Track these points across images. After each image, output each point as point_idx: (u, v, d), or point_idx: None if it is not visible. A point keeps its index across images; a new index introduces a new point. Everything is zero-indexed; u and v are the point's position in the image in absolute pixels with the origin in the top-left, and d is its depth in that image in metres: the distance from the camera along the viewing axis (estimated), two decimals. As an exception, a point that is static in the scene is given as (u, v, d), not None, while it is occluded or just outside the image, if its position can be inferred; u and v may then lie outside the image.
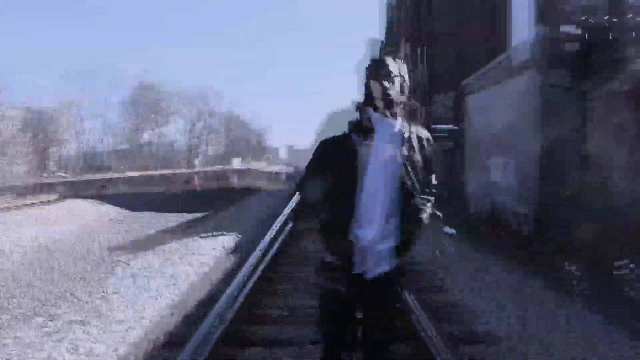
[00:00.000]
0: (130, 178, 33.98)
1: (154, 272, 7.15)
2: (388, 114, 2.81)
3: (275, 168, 72.91)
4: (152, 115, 75.24)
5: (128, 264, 7.75)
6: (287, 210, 12.00)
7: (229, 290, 5.80)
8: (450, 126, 19.94)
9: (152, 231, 11.12)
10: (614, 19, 10.97)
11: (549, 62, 10.84)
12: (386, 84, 2.76)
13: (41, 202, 14.48)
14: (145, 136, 74.92)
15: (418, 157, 2.86)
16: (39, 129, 55.08)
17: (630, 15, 12.85)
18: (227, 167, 66.17)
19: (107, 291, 6.35)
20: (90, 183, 28.71)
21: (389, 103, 2.79)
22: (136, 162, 61.43)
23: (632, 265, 6.98)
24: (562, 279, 7.11)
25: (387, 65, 2.82)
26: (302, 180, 3.08)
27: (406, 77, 2.90)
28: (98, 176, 40.39)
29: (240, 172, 40.56)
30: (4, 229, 10.23)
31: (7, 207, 13.11)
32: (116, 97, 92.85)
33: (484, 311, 5.86)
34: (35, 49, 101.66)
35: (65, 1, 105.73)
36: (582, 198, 10.37)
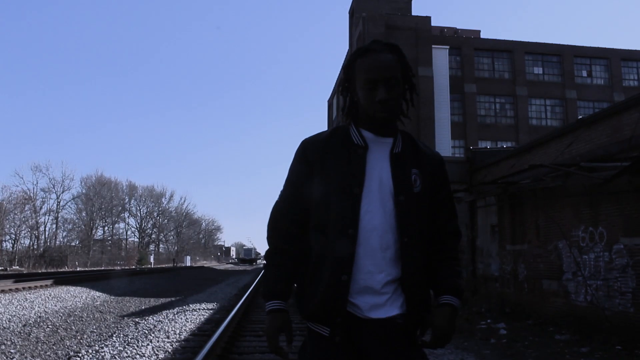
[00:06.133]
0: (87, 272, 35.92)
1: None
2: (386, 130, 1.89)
3: (227, 266, 75.62)
4: (105, 213, 77.18)
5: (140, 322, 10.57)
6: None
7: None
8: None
9: (142, 307, 13.92)
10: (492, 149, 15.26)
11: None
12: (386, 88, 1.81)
13: (40, 286, 16.67)
14: (98, 233, 76.29)
15: (434, 185, 1.92)
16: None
17: (504, 145, 17.35)
18: (179, 264, 68.42)
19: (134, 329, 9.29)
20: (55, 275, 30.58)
21: (389, 116, 1.85)
22: (90, 258, 62.50)
23: (489, 321, 10.54)
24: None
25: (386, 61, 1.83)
26: (274, 214, 1.95)
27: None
28: (51, 270, 41.73)
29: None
30: (33, 304, 12.70)
31: (17, 289, 15.39)
32: (68, 193, 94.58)
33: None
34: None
35: (19, 89, 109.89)
36: (474, 279, 14.08)
